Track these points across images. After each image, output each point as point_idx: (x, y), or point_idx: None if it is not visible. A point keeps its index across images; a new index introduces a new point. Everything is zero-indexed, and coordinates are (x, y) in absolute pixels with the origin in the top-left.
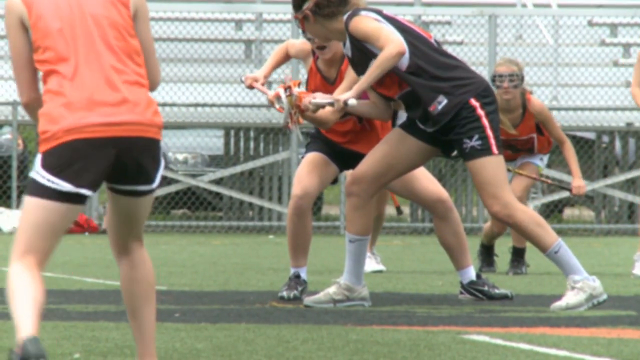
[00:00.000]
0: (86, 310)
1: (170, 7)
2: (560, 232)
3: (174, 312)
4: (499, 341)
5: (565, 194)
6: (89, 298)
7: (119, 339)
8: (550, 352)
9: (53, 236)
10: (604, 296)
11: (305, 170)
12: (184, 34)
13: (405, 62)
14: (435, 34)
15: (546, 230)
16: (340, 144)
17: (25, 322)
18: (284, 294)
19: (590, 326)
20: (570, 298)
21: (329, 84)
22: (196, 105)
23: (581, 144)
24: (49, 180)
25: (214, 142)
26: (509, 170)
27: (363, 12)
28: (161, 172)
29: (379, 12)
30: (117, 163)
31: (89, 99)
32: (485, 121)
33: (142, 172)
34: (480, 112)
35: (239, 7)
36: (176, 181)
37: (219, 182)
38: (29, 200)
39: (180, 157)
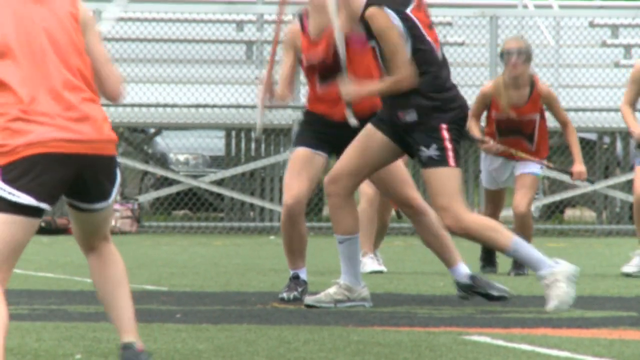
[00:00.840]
0: (87, 311)
1: (172, 8)
2: (561, 233)
3: (175, 313)
4: (501, 342)
5: (566, 195)
6: (90, 299)
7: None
8: (551, 353)
9: (17, 251)
10: (575, 267)
11: (294, 173)
12: (185, 34)
13: None
14: None
15: (500, 233)
16: (332, 120)
17: None
18: (284, 295)
19: (591, 327)
20: (554, 295)
21: (313, 43)
22: (197, 106)
23: (582, 145)
24: (10, 193)
25: (215, 143)
26: (511, 155)
27: (386, 9)
28: (117, 186)
29: (398, 11)
30: (76, 179)
31: (51, 114)
32: (445, 133)
33: (100, 188)
34: (442, 125)
35: (240, 8)
36: (177, 182)
37: (220, 182)
38: None
39: (181, 158)
